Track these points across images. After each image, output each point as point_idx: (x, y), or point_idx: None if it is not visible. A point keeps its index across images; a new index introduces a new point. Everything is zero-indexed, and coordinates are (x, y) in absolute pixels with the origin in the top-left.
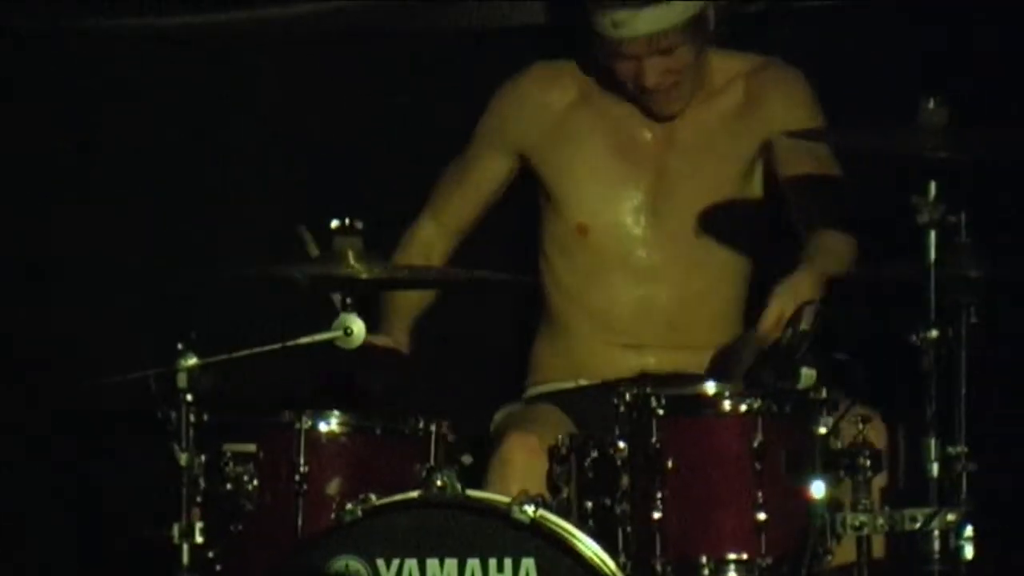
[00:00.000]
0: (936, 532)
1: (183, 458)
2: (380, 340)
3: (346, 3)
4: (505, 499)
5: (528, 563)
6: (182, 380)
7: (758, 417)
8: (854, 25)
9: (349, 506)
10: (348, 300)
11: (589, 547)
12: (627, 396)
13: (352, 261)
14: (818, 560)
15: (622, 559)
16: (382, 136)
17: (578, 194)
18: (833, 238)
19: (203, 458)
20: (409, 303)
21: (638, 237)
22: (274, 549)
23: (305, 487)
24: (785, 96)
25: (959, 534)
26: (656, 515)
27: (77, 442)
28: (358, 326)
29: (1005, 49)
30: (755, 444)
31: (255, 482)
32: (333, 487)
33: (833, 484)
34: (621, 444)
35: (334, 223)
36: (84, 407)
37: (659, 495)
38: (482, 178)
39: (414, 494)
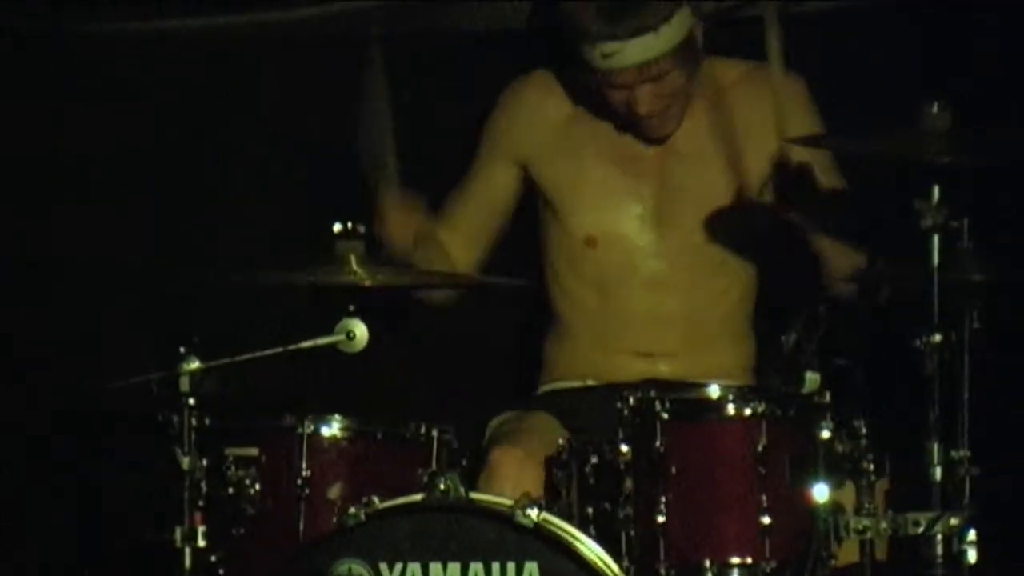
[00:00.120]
0: (939, 536)
1: (185, 462)
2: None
3: (347, 5)
4: (508, 502)
5: (531, 567)
6: (184, 384)
7: (762, 421)
8: (855, 29)
9: (352, 510)
10: (351, 306)
11: (593, 551)
12: (631, 400)
13: (354, 266)
14: (821, 564)
15: (625, 563)
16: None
17: (584, 207)
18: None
19: (205, 462)
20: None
21: (645, 247)
22: (276, 553)
23: (307, 491)
24: (785, 102)
25: (962, 538)
26: (660, 519)
27: (79, 444)
28: (360, 330)
29: (1006, 51)
30: (759, 448)
31: (257, 486)
32: (335, 491)
33: (836, 488)
34: (625, 448)
35: (336, 227)
36: (86, 409)
37: (663, 499)
38: (488, 188)
39: (417, 498)
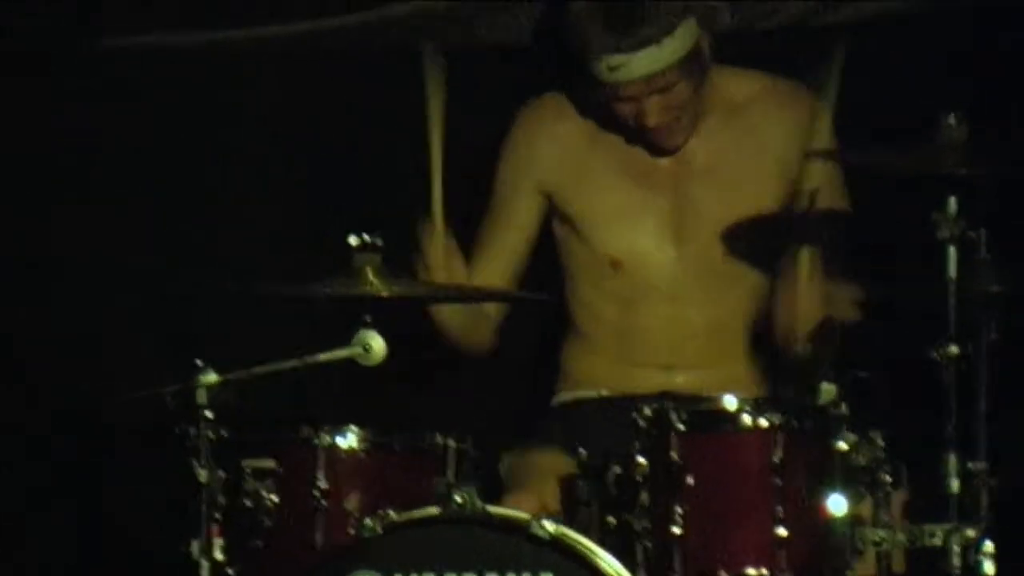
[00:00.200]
0: (956, 548)
1: (202, 474)
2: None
3: (345, 19)
4: (525, 516)
5: None
6: (201, 396)
7: (778, 432)
8: (872, 41)
9: (368, 522)
10: (368, 318)
11: (609, 564)
12: (647, 411)
13: (371, 278)
14: None
15: (641, 575)
16: (382, 143)
17: (606, 229)
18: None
19: (222, 474)
20: None
21: (667, 263)
22: (293, 565)
23: (324, 503)
24: (799, 120)
25: (979, 550)
26: (676, 530)
27: (91, 455)
28: (377, 343)
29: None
30: (775, 459)
31: (274, 498)
32: (352, 503)
33: (853, 499)
34: (641, 460)
35: (352, 239)
36: (101, 420)
37: (679, 510)
38: (517, 222)
39: (434, 510)
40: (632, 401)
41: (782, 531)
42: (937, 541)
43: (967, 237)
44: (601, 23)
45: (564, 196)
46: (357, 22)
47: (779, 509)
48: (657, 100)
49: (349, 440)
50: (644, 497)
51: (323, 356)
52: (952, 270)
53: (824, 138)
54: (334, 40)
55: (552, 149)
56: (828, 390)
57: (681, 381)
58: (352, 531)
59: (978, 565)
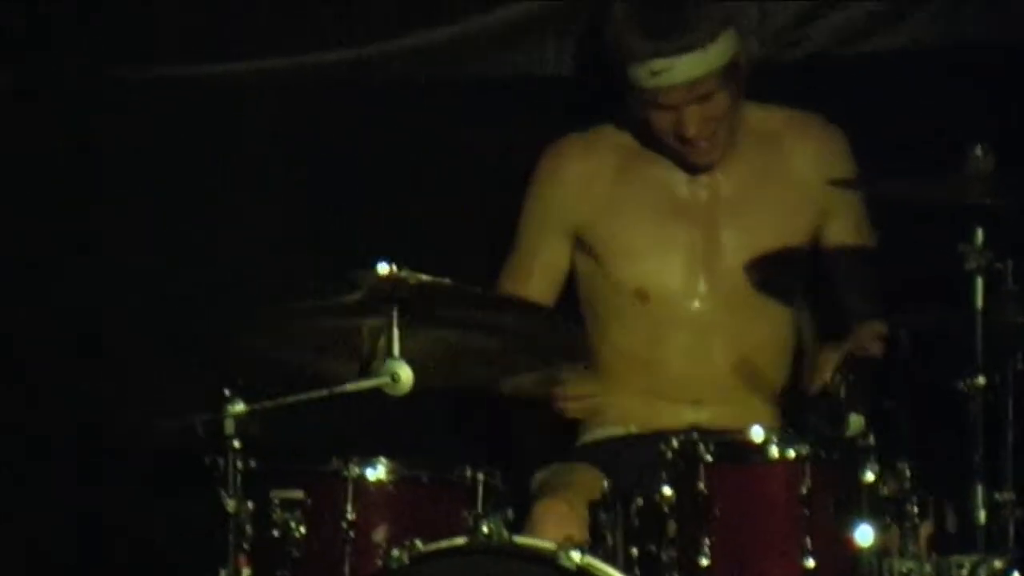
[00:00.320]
0: None
1: (231, 504)
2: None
3: (342, 53)
4: (552, 546)
5: None
6: (229, 426)
7: (806, 464)
8: (899, 73)
9: (396, 553)
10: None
11: None
12: (674, 443)
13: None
14: None
15: None
16: (385, 174)
17: (634, 261)
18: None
19: (251, 505)
20: None
21: (695, 295)
22: None
23: (352, 534)
24: (825, 154)
25: None
26: (704, 562)
27: (120, 482)
28: (405, 372)
29: None
30: (803, 491)
31: (302, 529)
32: (380, 534)
33: (880, 530)
34: (668, 491)
35: (381, 268)
36: (130, 447)
37: (706, 542)
38: (548, 263)
39: (461, 540)
40: (660, 436)
41: (810, 562)
42: (964, 572)
43: (994, 268)
44: (644, 30)
45: (592, 233)
46: (359, 55)
47: (807, 540)
48: (696, 110)
49: (378, 472)
50: (672, 528)
51: (351, 386)
52: (979, 301)
53: (850, 170)
54: (335, 73)
55: (578, 188)
56: (856, 421)
57: (708, 416)
58: (380, 562)
59: None
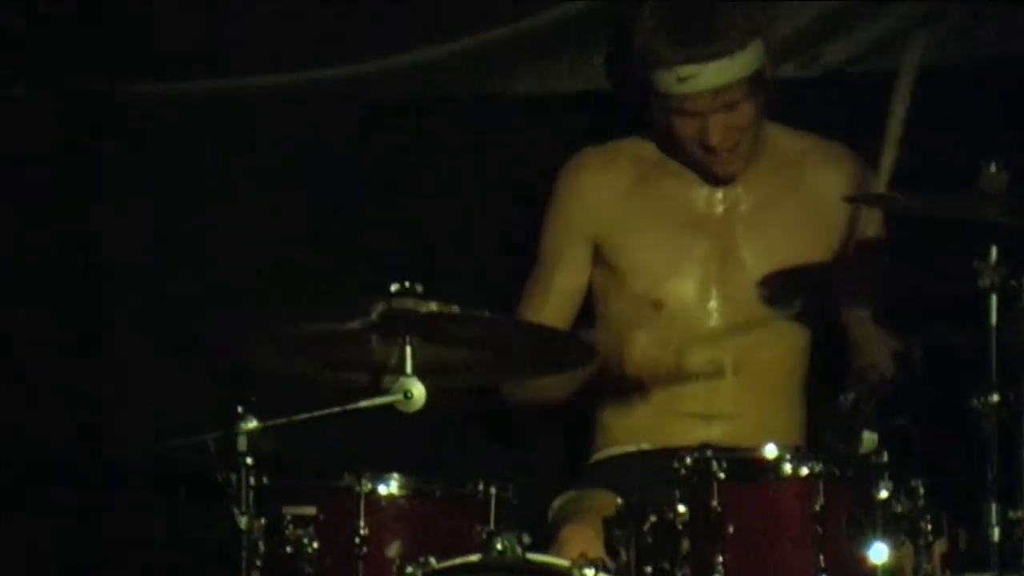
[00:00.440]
0: None
1: (243, 521)
2: None
3: (340, 70)
4: (566, 563)
5: None
6: (242, 443)
7: (819, 481)
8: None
9: (409, 569)
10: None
11: None
12: (688, 460)
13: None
14: None
15: None
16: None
17: (651, 273)
18: None
19: (263, 521)
20: None
21: (710, 307)
22: None
23: (365, 550)
24: (848, 183)
25: None
26: None
27: (130, 499)
28: (418, 389)
29: None
30: (816, 508)
31: (315, 545)
32: (393, 550)
33: (894, 548)
34: (681, 508)
35: (394, 286)
36: (141, 465)
37: (720, 559)
38: (572, 274)
39: (474, 557)
40: (672, 453)
41: None
42: None
43: (1008, 285)
44: (673, 35)
45: (609, 244)
46: (366, 70)
47: (820, 558)
48: (721, 118)
49: (390, 487)
50: (685, 545)
51: (364, 403)
52: (993, 318)
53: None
54: (339, 88)
55: (596, 199)
56: (869, 439)
57: (721, 432)
58: None
59: None
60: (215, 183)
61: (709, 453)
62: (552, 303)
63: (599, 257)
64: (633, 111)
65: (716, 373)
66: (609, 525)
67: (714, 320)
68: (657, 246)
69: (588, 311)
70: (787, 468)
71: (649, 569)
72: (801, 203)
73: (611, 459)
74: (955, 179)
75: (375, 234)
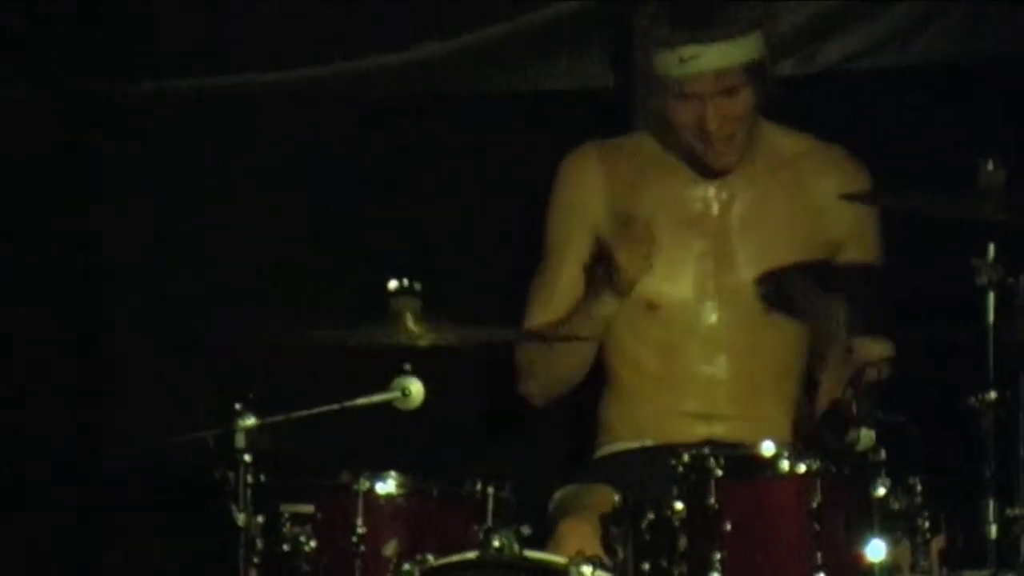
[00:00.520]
0: None
1: (241, 518)
2: None
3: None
4: (563, 560)
5: None
6: (240, 440)
7: (816, 478)
8: (911, 87)
9: (407, 567)
10: (407, 366)
11: None
12: (685, 457)
13: (411, 324)
14: None
15: None
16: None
17: (647, 273)
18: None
19: (261, 519)
20: None
21: (706, 308)
22: None
23: (363, 548)
24: (845, 186)
25: None
26: None
27: (127, 497)
28: (416, 387)
29: None
30: (813, 505)
31: (312, 543)
32: (390, 548)
33: (892, 546)
34: (679, 505)
35: (392, 284)
36: (141, 466)
37: (717, 556)
38: (581, 263)
39: (472, 555)
40: (674, 450)
41: None
42: None
43: (1006, 283)
44: (677, 18)
45: (608, 241)
46: (362, 69)
47: (817, 555)
48: (720, 104)
49: (388, 486)
50: (682, 543)
51: (361, 400)
52: (991, 316)
53: (866, 210)
54: (339, 85)
55: (599, 194)
56: (867, 436)
57: (722, 431)
58: None
59: None
60: (215, 183)
61: (707, 450)
62: (562, 297)
63: (599, 254)
64: (632, 111)
65: (713, 373)
66: (606, 522)
67: (711, 319)
68: (655, 245)
69: None
70: (784, 465)
71: (646, 566)
72: (797, 204)
73: (614, 455)
74: (953, 177)
75: (375, 233)
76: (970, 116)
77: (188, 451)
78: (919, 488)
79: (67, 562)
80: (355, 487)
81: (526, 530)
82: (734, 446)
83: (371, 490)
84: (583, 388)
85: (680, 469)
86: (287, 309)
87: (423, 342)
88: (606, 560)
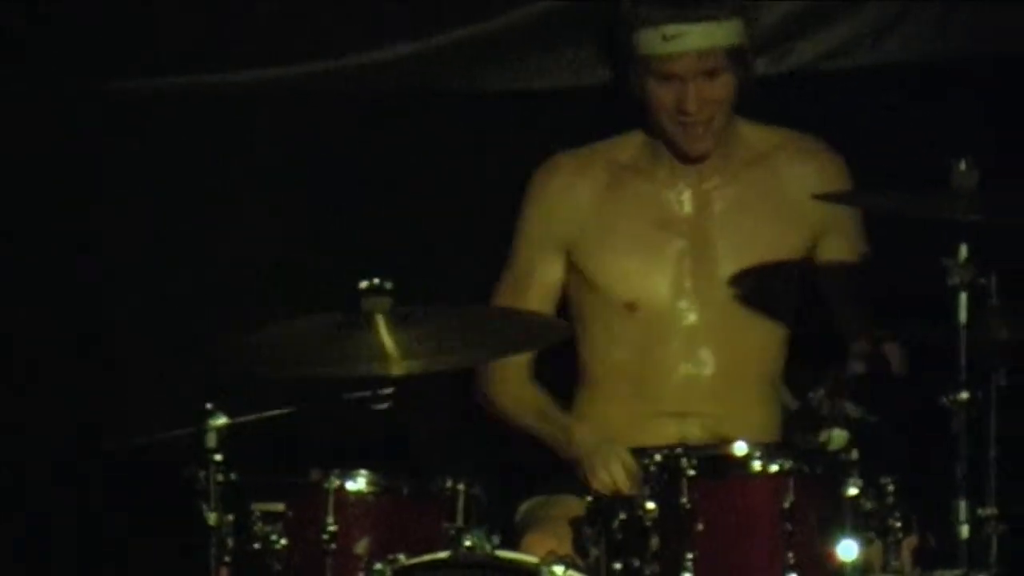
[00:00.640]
0: None
1: (211, 517)
2: None
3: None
4: (534, 560)
5: None
6: (211, 440)
7: (789, 478)
8: (885, 87)
9: (378, 566)
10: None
11: None
12: (657, 457)
13: (384, 338)
14: None
15: None
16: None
17: (624, 275)
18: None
19: (231, 517)
20: None
21: (683, 307)
22: None
23: (333, 546)
24: (822, 177)
25: None
26: None
27: (99, 494)
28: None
29: None
30: (786, 505)
31: (283, 541)
32: (362, 547)
33: (863, 546)
34: (651, 505)
35: (363, 283)
36: (109, 461)
37: (689, 556)
38: (545, 282)
39: (443, 554)
40: (647, 452)
41: None
42: None
43: (978, 283)
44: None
45: (582, 248)
46: (359, 64)
47: (789, 555)
48: (701, 86)
49: (359, 484)
50: (654, 542)
51: (334, 400)
52: (963, 316)
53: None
54: (336, 81)
55: (567, 205)
56: (839, 436)
57: (696, 431)
58: (362, 575)
59: None
60: (215, 182)
61: (679, 450)
62: (528, 306)
63: (571, 262)
64: (628, 107)
65: (693, 372)
66: (578, 523)
67: (689, 319)
68: (629, 248)
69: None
70: (756, 465)
71: (618, 566)
72: (774, 198)
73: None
74: (926, 177)
75: (375, 233)
76: (943, 116)
77: (166, 450)
78: (891, 488)
79: (66, 563)
80: (326, 485)
81: (496, 539)
82: (702, 446)
83: (342, 488)
84: (557, 388)
85: (652, 469)
86: (286, 309)
87: (397, 370)
88: (578, 560)
